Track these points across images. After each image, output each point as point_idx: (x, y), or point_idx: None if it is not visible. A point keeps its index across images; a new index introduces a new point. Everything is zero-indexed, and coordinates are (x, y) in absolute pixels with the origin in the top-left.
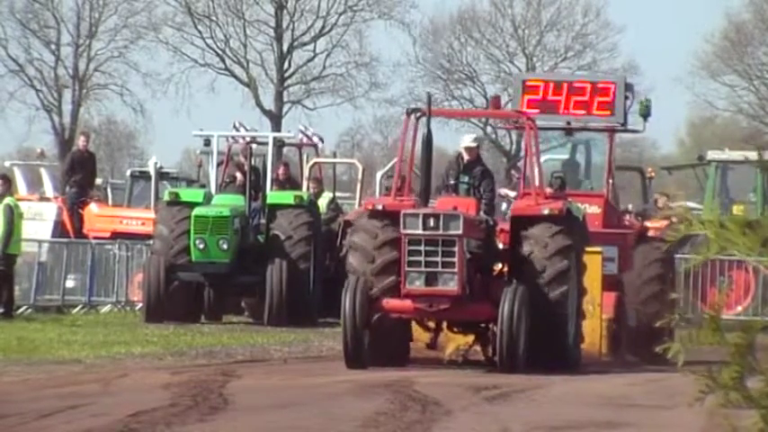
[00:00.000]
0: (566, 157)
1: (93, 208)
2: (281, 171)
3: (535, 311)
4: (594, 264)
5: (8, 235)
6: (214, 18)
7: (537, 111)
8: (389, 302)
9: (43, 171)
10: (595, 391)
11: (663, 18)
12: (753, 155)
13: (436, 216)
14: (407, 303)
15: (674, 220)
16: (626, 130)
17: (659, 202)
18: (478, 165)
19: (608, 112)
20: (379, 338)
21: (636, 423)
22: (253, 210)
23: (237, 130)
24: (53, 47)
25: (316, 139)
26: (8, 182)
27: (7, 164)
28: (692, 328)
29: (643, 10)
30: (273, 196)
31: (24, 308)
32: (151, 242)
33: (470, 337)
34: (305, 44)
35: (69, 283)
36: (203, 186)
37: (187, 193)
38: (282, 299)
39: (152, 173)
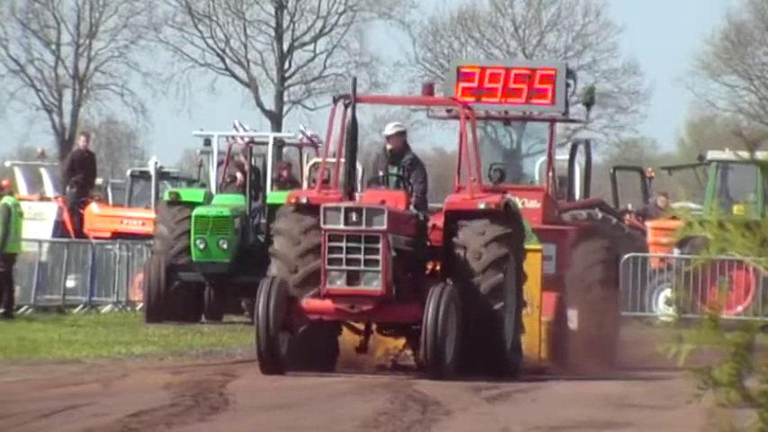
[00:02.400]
0: (565, 157)
1: (93, 208)
2: (284, 173)
3: (469, 313)
4: (534, 262)
5: (5, 235)
6: (214, 18)
7: (472, 99)
8: (309, 303)
9: (44, 171)
10: (595, 391)
11: (663, 18)
12: (744, 154)
13: (359, 210)
14: (328, 304)
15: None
16: (568, 120)
17: (659, 201)
18: (406, 155)
19: (548, 101)
20: (304, 341)
21: (635, 423)
22: (253, 210)
23: (237, 130)
24: (53, 47)
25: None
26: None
27: (8, 164)
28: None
29: (643, 10)
30: (274, 196)
31: (25, 308)
32: (151, 242)
33: (401, 341)
34: (305, 44)
35: (70, 283)
36: (203, 186)
37: (187, 193)
38: None
39: (152, 173)
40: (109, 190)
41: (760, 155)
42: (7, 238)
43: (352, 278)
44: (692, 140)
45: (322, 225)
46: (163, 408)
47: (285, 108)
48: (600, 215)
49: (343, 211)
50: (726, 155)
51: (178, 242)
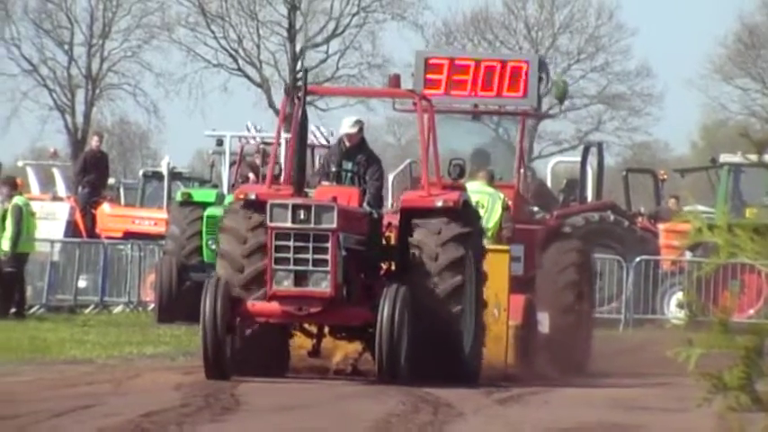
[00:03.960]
0: (577, 159)
1: (105, 208)
2: None
3: (423, 315)
4: (502, 263)
5: (17, 235)
6: (227, 18)
7: (441, 92)
8: (255, 305)
9: (56, 171)
10: (606, 394)
11: (676, 21)
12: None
13: (307, 207)
14: (274, 306)
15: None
16: (540, 114)
17: (671, 204)
18: (363, 150)
19: (520, 94)
20: (254, 345)
21: (646, 426)
22: None
23: (250, 130)
24: (66, 47)
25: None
26: (14, 184)
27: (20, 163)
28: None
29: (656, 13)
30: None
31: (36, 308)
32: (163, 242)
33: (359, 344)
34: (318, 45)
35: (81, 283)
36: (216, 187)
37: (199, 194)
38: None
39: (165, 173)
40: (121, 190)
41: None
42: (19, 237)
43: (300, 279)
44: (704, 143)
45: (268, 223)
46: (174, 408)
47: None
48: (612, 217)
49: (290, 207)
50: (738, 158)
51: (190, 242)
